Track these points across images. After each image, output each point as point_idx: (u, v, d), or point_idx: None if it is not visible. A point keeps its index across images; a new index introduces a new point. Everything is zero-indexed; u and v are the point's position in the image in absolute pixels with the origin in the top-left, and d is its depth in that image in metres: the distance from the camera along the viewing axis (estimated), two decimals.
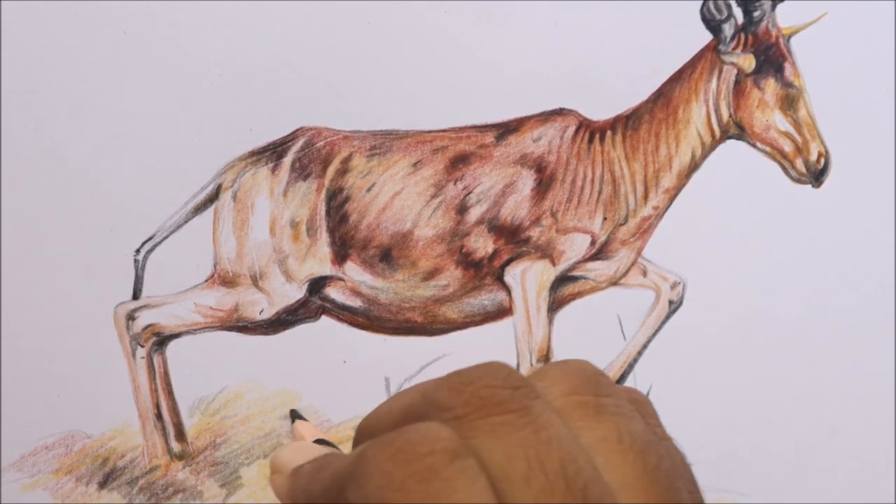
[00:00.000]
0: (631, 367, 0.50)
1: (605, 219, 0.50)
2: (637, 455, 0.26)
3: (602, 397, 0.28)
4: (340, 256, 0.48)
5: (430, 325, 0.49)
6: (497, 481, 0.24)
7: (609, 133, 0.50)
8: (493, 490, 0.24)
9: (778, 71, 0.50)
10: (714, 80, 0.50)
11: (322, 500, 0.27)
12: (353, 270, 0.48)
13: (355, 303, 0.48)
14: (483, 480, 0.24)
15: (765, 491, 0.50)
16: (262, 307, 0.47)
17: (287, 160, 0.48)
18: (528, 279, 0.49)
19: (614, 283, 0.50)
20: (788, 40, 0.50)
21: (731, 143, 0.51)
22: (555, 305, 0.50)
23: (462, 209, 0.49)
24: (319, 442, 0.40)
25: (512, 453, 0.24)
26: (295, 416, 0.47)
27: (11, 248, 0.45)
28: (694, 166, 0.50)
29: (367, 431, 0.29)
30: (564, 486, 0.24)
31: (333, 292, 0.48)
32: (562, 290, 0.50)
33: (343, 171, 0.48)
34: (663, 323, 0.50)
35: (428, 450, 0.24)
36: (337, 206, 0.48)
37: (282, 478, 0.32)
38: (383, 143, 0.48)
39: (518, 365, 0.49)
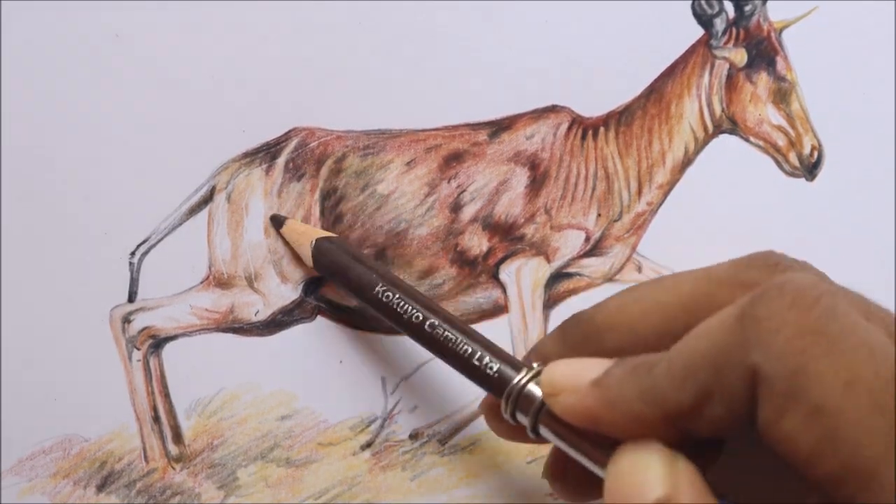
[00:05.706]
0: None
1: (599, 215, 0.50)
2: None
3: None
4: None
5: None
6: None
7: (602, 129, 0.50)
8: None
9: (770, 65, 0.50)
10: (706, 74, 0.50)
11: (674, 390, 0.25)
12: None
13: (351, 303, 0.48)
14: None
15: None
16: (257, 308, 0.47)
17: (281, 161, 0.48)
18: (523, 276, 0.49)
19: (609, 279, 0.50)
20: (780, 34, 0.50)
21: (723, 137, 0.51)
22: (550, 302, 0.50)
23: (456, 207, 0.49)
24: None
25: None
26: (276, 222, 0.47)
27: (6, 253, 0.45)
28: (687, 161, 0.50)
29: (624, 322, 0.31)
30: None
31: (329, 293, 0.48)
32: (557, 287, 0.50)
33: (337, 171, 0.48)
34: None
35: (818, 293, 0.24)
36: (331, 207, 0.48)
37: (575, 396, 0.28)
38: (376, 142, 0.49)
39: None
